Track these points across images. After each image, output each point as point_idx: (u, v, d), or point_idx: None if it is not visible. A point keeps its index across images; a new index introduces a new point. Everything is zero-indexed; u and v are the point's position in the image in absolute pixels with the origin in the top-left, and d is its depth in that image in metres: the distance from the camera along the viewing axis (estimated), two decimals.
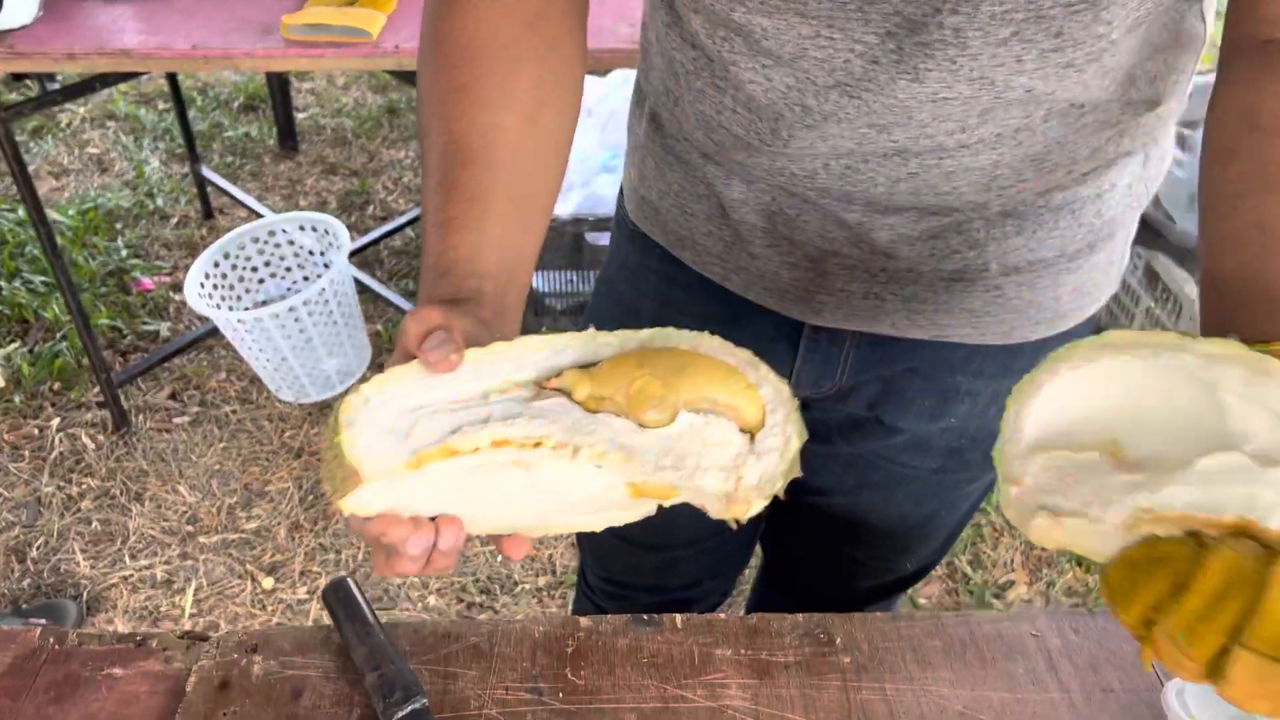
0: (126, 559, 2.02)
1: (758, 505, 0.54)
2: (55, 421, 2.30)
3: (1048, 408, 0.47)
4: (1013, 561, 2.01)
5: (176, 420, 2.32)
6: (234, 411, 2.34)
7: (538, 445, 0.53)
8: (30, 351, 2.46)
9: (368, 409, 0.53)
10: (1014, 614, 0.85)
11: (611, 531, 0.60)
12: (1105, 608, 0.50)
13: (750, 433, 0.55)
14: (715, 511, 0.54)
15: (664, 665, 0.79)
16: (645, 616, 0.83)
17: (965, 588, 1.96)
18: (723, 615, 0.84)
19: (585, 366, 0.56)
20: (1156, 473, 0.44)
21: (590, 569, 1.21)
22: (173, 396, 2.39)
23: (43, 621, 1.86)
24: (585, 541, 1.21)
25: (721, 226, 0.83)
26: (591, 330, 0.57)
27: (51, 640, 0.82)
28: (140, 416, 2.32)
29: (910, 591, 1.92)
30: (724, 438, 0.55)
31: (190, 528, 2.09)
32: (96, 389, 2.31)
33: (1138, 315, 2.30)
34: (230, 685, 0.78)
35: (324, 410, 2.32)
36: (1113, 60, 0.65)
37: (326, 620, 0.82)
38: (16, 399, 2.35)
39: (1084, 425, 0.46)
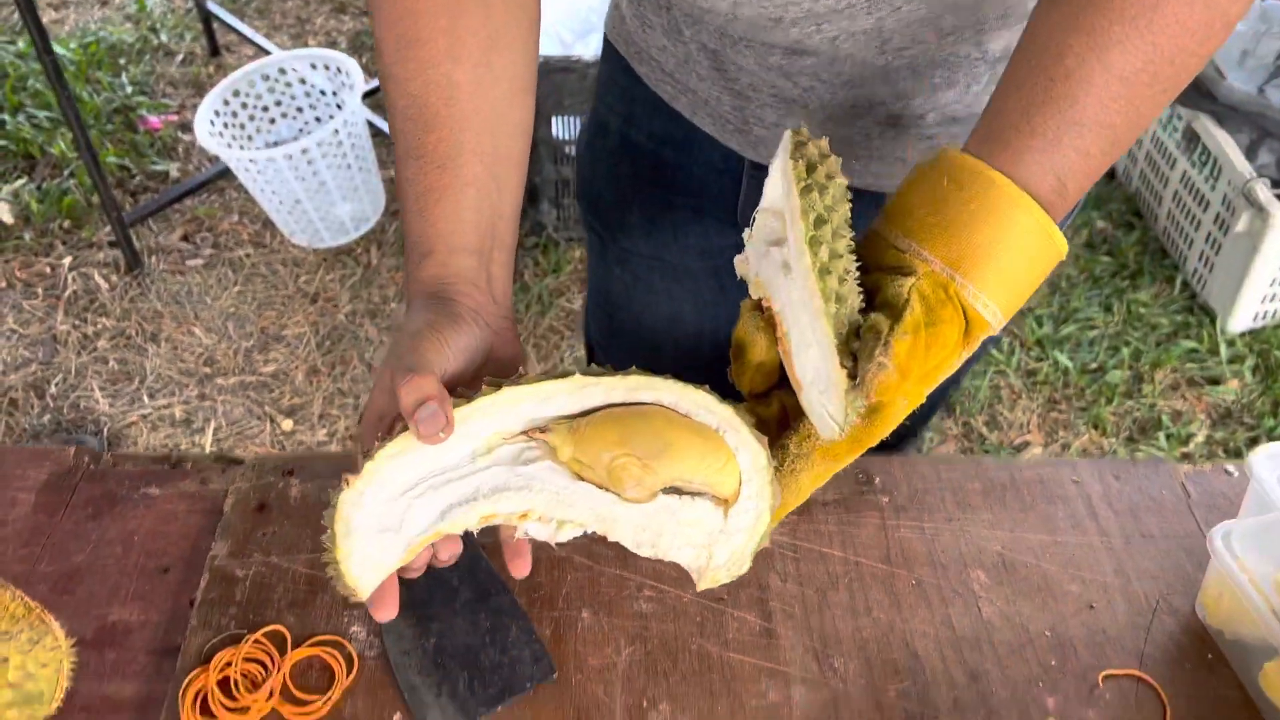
0: (145, 398, 2.03)
1: (724, 580, 0.58)
2: (67, 260, 2.27)
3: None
4: (1028, 423, 2.01)
5: (190, 262, 2.29)
6: (248, 255, 2.31)
7: (523, 517, 0.57)
8: (38, 188, 2.42)
9: (362, 507, 0.55)
10: (1055, 460, 0.84)
11: None
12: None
13: (727, 503, 0.57)
14: (692, 576, 0.58)
15: None
16: None
17: (981, 447, 1.97)
18: None
19: (572, 417, 0.58)
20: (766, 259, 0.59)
21: None
22: (185, 238, 2.35)
23: None
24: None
25: (676, 43, 0.82)
26: (577, 375, 0.57)
27: (86, 459, 0.81)
28: (153, 258, 2.29)
29: (924, 450, 1.93)
30: (698, 517, 0.57)
31: (208, 369, 2.09)
32: (108, 228, 2.27)
33: (1172, 180, 2.24)
34: (268, 506, 0.78)
35: (339, 256, 2.29)
36: None
37: None
38: (26, 236, 2.32)
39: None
